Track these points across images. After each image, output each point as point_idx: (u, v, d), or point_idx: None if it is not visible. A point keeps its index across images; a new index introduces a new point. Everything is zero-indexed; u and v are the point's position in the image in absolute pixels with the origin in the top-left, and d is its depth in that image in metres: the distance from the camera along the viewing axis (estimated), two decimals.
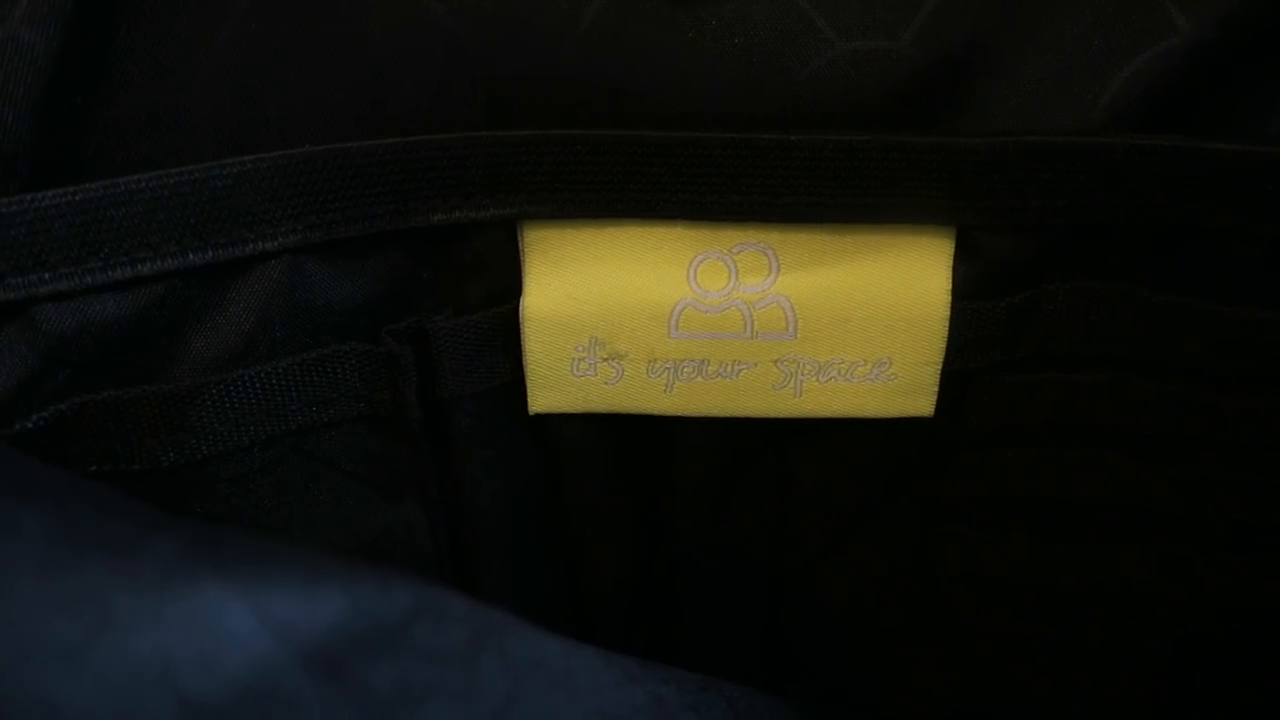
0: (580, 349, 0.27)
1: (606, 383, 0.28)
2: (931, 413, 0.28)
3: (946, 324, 0.27)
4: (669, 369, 0.27)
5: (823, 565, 0.32)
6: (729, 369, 0.27)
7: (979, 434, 0.30)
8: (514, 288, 0.27)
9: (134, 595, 0.14)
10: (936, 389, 0.28)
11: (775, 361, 0.27)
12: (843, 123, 0.25)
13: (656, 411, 0.28)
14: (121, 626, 0.14)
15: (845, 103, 0.25)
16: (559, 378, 0.28)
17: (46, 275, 0.22)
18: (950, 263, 0.26)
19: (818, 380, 0.28)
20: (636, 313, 0.27)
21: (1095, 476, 0.30)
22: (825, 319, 0.27)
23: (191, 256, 0.24)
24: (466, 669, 0.15)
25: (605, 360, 0.27)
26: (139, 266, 0.23)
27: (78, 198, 0.22)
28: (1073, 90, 0.25)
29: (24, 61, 0.21)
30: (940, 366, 0.27)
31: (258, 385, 0.26)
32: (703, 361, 0.27)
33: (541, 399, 0.28)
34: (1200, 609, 0.32)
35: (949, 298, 0.27)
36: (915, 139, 0.25)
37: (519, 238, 0.26)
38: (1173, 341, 0.28)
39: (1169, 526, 0.31)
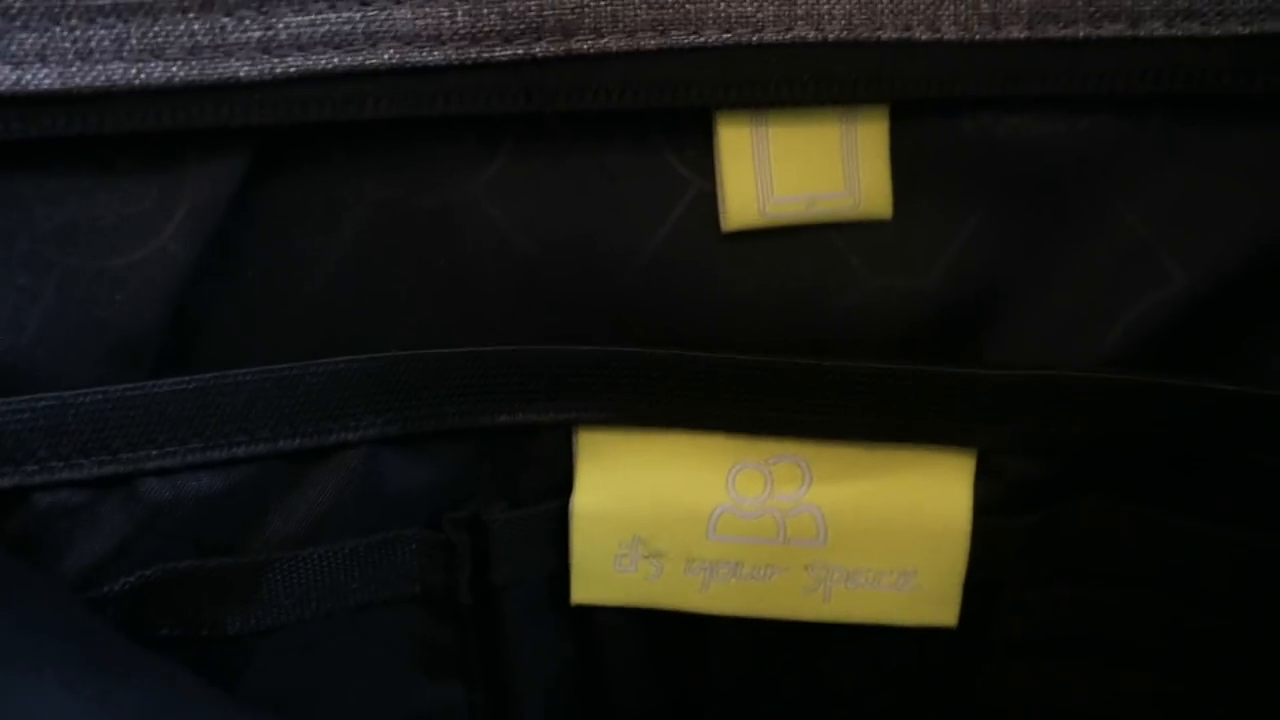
0: (623, 546, 0.29)
1: (646, 579, 0.29)
2: (955, 623, 0.29)
3: (969, 538, 0.28)
4: (706, 569, 0.29)
5: None
6: (762, 572, 0.29)
7: (1002, 646, 0.30)
8: (566, 484, 0.29)
9: None
10: (960, 600, 0.29)
11: (806, 567, 0.29)
12: (873, 351, 0.27)
13: (692, 609, 0.29)
14: None
15: (875, 333, 0.27)
16: (602, 571, 0.29)
17: (154, 452, 0.25)
18: (972, 480, 0.28)
19: (846, 587, 0.29)
20: (678, 515, 0.28)
21: (1120, 693, 0.31)
22: (854, 529, 0.28)
23: (281, 443, 0.26)
24: None
25: (646, 558, 0.29)
26: (235, 449, 0.26)
27: (191, 386, 0.25)
28: (1083, 328, 0.27)
29: (167, 270, 0.24)
30: (963, 579, 0.29)
31: (324, 563, 0.27)
32: (737, 563, 0.29)
33: (584, 591, 0.29)
34: None
35: (971, 513, 0.28)
36: (937, 369, 0.27)
37: (574, 440, 0.28)
38: (1192, 565, 0.29)
39: None
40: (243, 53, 0.22)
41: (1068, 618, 0.30)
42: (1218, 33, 0.23)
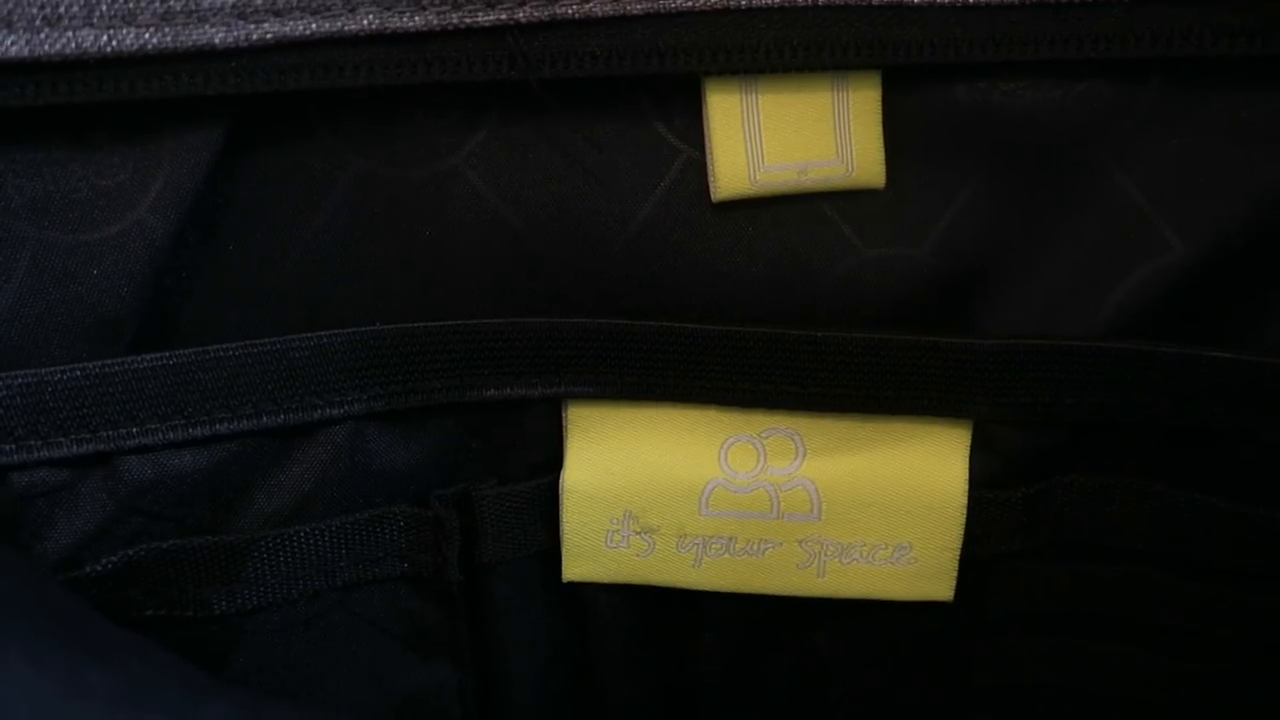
0: (615, 522, 0.29)
1: (638, 555, 0.29)
2: (951, 597, 0.29)
3: (964, 511, 0.28)
4: (698, 545, 0.29)
5: None
6: (755, 547, 0.29)
7: (999, 620, 0.30)
8: (555, 460, 0.29)
9: None
10: (955, 574, 0.29)
11: (800, 542, 0.29)
12: (866, 321, 0.27)
13: (685, 585, 0.29)
14: None
15: (869, 303, 0.27)
16: (593, 548, 0.29)
17: (135, 430, 0.25)
18: (967, 452, 0.28)
19: (840, 561, 0.29)
20: (669, 490, 0.28)
21: (1117, 669, 0.31)
22: (848, 502, 0.28)
23: (265, 419, 0.26)
24: None
25: (637, 533, 0.29)
26: (217, 426, 0.25)
27: (171, 361, 0.25)
28: (1078, 298, 0.27)
29: (144, 243, 0.23)
30: (959, 552, 0.28)
31: (310, 542, 0.27)
32: (730, 539, 0.29)
33: (575, 568, 0.29)
34: None
35: (966, 486, 0.28)
36: (933, 339, 0.27)
37: (563, 415, 0.28)
38: (1189, 537, 0.29)
39: None
40: (217, 19, 0.21)
41: (1065, 593, 0.30)
42: None
